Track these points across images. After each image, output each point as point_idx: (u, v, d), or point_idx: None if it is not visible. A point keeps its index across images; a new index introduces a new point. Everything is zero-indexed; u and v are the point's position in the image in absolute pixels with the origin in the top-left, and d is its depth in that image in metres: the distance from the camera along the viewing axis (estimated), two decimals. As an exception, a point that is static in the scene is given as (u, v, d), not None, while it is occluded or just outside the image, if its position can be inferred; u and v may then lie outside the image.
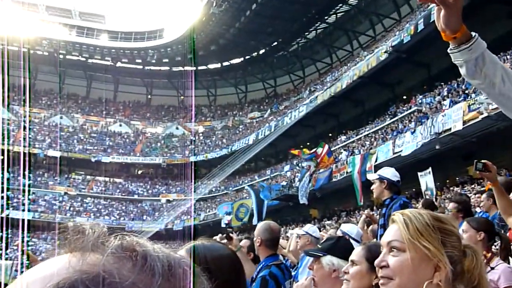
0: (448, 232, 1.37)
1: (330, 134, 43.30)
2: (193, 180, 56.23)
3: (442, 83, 27.25)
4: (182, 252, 1.31)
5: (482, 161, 3.47)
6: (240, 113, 65.13)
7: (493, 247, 4.05)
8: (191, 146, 62.08)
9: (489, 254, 3.43)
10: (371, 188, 4.58)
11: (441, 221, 1.38)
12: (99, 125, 63.20)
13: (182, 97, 70.51)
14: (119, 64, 63.38)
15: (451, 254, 1.35)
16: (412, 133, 22.80)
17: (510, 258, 3.84)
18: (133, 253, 0.50)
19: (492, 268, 3.27)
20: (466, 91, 22.01)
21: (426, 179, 17.69)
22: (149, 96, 69.97)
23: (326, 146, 27.95)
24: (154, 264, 0.50)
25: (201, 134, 64.92)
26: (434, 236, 1.34)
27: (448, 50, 1.66)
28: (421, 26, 27.23)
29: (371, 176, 4.62)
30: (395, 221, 1.41)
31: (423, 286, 1.31)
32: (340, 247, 2.49)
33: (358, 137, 33.42)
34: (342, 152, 31.49)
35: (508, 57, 21.61)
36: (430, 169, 17.28)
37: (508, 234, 4.43)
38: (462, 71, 1.67)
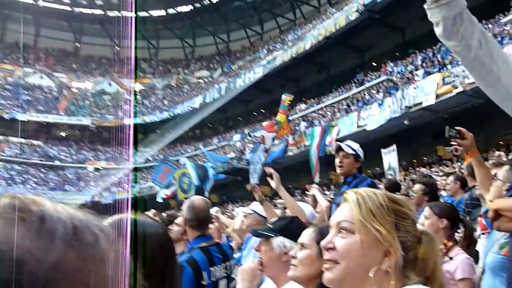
0: (403, 215, 1.40)
1: (290, 101, 43.61)
2: (129, 147, 55.37)
3: (417, 51, 27.90)
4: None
5: (456, 127, 3.52)
6: (186, 71, 64.28)
7: (456, 234, 4.27)
8: (127, 106, 60.98)
9: (450, 243, 3.61)
10: (338, 162, 4.62)
11: (397, 202, 1.42)
12: (14, 75, 60.78)
13: (117, 48, 68.67)
14: (41, 2, 60.64)
15: (404, 239, 1.38)
16: (380, 105, 23.36)
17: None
18: (27, 214, 0.46)
19: (451, 258, 3.45)
20: (442, 62, 22.66)
21: (390, 157, 18.20)
22: (78, 44, 67.73)
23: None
24: (54, 227, 0.46)
25: (138, 93, 63.76)
26: (387, 219, 1.37)
27: (425, 6, 1.71)
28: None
29: (347, 148, 4.63)
30: (347, 200, 1.45)
31: (370, 272, 1.35)
32: (294, 228, 2.49)
33: (319, 106, 33.89)
34: (300, 123, 31.88)
35: (490, 26, 22.35)
36: (394, 146, 17.78)
37: (478, 219, 4.65)
38: (438, 30, 1.73)
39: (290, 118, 32.24)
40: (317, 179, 21.56)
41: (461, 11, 1.68)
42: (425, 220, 3.78)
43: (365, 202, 1.40)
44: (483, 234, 3.81)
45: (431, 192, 5.40)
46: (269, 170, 4.96)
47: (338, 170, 4.62)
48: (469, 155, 3.68)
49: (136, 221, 1.36)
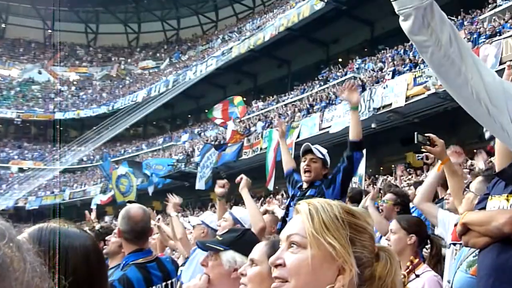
0: (360, 229, 1.41)
1: (245, 99, 43.70)
2: (59, 144, 54.38)
3: (387, 48, 28.45)
4: (24, 235, 1.27)
5: (426, 134, 3.58)
6: (129, 60, 63.61)
7: (424, 250, 4.36)
8: (58, 98, 59.74)
9: (416, 260, 3.68)
10: (305, 166, 4.65)
11: (353, 215, 1.42)
12: None
13: (50, 31, 67.21)
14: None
15: (360, 255, 1.38)
16: (345, 105, 23.69)
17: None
18: None
19: (418, 276, 3.52)
20: (414, 60, 23.18)
21: (356, 164, 18.54)
22: (3, 25, 65.96)
23: (244, 109, 28.09)
24: None
25: (73, 84, 62.63)
26: (341, 232, 1.37)
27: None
28: (368, -27, 28.07)
29: (316, 151, 4.67)
30: (299, 212, 1.44)
31: None
32: (246, 242, 2.45)
33: (279, 104, 34.11)
34: (257, 123, 31.96)
35: (466, 23, 23.01)
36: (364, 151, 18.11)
37: (451, 231, 4.75)
38: (407, 24, 1.75)
39: (246, 117, 32.37)
40: (271, 186, 21.67)
41: (431, 1, 1.71)
42: (392, 234, 3.83)
43: (317, 214, 1.39)
44: (453, 244, 3.89)
45: (403, 203, 5.47)
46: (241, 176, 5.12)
47: (305, 176, 4.65)
48: (442, 163, 3.76)
49: (58, 231, 1.32)
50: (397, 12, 1.76)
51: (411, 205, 5.72)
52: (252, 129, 31.31)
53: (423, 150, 3.85)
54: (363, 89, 23.81)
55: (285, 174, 5.19)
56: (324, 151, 4.71)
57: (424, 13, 1.72)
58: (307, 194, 4.56)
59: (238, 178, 4.99)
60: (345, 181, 4.53)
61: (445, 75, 1.81)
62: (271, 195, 20.10)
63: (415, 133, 3.47)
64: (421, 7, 1.71)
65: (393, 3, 1.74)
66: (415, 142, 3.48)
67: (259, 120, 32.34)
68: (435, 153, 3.58)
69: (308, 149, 4.70)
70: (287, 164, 5.23)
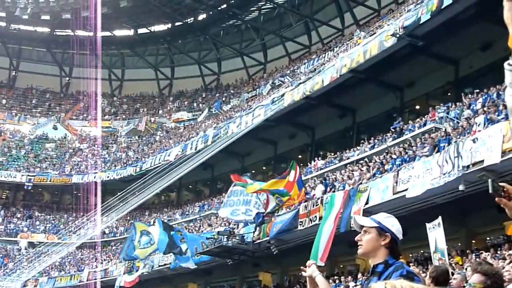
0: None
1: (300, 156, 43.82)
2: (74, 214, 55.30)
3: (476, 91, 28.10)
4: None
5: (501, 183, 3.51)
6: (160, 111, 65.02)
7: None
8: (77, 158, 61.14)
9: None
10: (358, 240, 4.57)
11: None
12: None
13: (67, 79, 69.48)
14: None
15: None
16: (425, 163, 23.40)
17: None
18: None
19: None
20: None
21: (436, 235, 17.96)
22: (14, 73, 68.51)
23: (298, 170, 28.41)
24: None
25: (94, 141, 64.10)
26: None
27: (506, 64, 1.76)
28: (448, 1, 28.12)
29: (364, 221, 4.56)
30: None
31: None
32: None
33: (342, 163, 33.98)
34: (317, 185, 31.88)
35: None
36: (439, 220, 17.60)
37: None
38: None
39: (303, 178, 32.24)
40: (323, 262, 21.19)
41: None
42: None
43: None
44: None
45: (495, 286, 5.31)
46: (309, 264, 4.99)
47: (359, 250, 4.58)
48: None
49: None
50: (508, 83, 1.77)
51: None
52: (311, 193, 31.19)
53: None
54: (448, 143, 23.54)
55: None
56: (381, 217, 4.57)
57: None
58: (369, 284, 4.43)
59: (308, 272, 4.90)
60: None
61: None
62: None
63: (489, 180, 3.44)
64: None
65: (507, 71, 1.76)
66: (491, 191, 3.44)
67: (320, 182, 32.21)
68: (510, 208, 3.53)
69: (355, 220, 4.66)
70: None
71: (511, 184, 3.51)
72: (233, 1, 56.22)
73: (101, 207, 48.60)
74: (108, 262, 46.41)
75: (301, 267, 4.95)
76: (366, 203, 24.73)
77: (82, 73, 70.63)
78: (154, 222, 36.85)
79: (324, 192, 29.77)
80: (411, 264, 22.15)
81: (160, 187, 45.86)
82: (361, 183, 26.88)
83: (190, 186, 56.01)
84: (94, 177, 56.02)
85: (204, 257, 33.93)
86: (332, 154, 37.10)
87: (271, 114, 40.46)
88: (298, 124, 42.39)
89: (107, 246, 51.10)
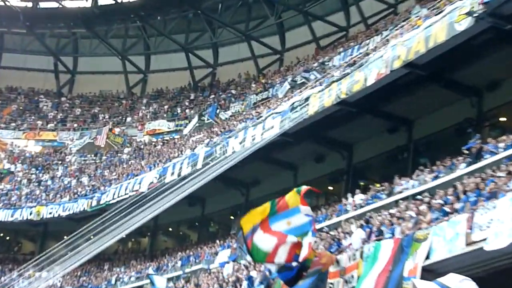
0: None
1: (331, 187, 43.80)
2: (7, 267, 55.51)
3: None
4: None
5: None
6: (128, 118, 65.15)
7: None
8: (5, 185, 61.29)
9: None
10: None
11: None
12: None
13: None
14: None
15: None
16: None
17: None
18: None
19: None
20: None
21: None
22: None
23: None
24: None
25: (30, 161, 64.25)
26: None
27: None
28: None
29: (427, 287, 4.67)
30: None
31: None
32: None
33: (393, 198, 34.04)
34: (354, 230, 31.97)
35: None
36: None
37: None
38: None
39: (332, 220, 32.22)
40: None
41: None
42: None
43: None
44: None
45: None
46: None
47: None
48: None
49: None
50: None
51: None
52: (345, 242, 31.30)
53: None
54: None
55: None
56: (454, 280, 4.69)
57: None
58: None
59: None
60: None
61: None
62: None
63: None
64: None
65: None
66: None
67: (360, 226, 32.32)
68: None
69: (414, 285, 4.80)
70: None
71: None
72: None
73: (40, 257, 48.78)
74: None
75: None
76: (427, 257, 24.68)
77: (15, 61, 71.08)
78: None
79: (366, 241, 29.82)
80: None
81: (126, 230, 45.88)
82: (419, 229, 26.96)
83: (170, 229, 56.16)
84: (30, 214, 56.23)
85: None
86: (378, 185, 37.16)
87: (290, 126, 40.57)
88: (328, 142, 42.49)
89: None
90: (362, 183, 40.02)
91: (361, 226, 32.06)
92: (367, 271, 23.67)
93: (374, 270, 23.44)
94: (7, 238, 67.10)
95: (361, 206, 35.80)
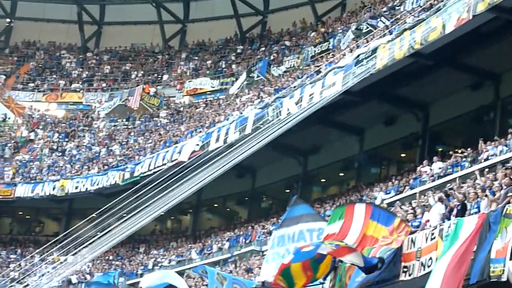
0: None
1: (403, 154, 43.65)
2: (20, 249, 56.17)
3: None
4: None
5: None
6: (165, 76, 65.17)
7: None
8: (23, 155, 61.79)
9: None
10: None
11: None
12: None
13: (9, 20, 70.29)
14: None
15: None
16: None
17: None
18: None
19: None
20: None
21: None
22: None
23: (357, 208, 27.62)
24: None
25: (54, 127, 64.71)
26: None
27: None
28: None
29: None
30: None
31: None
32: None
33: (477, 166, 33.84)
34: (432, 204, 31.79)
35: None
36: None
37: None
38: None
39: (405, 193, 31.96)
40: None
41: None
42: None
43: None
44: None
45: None
46: None
47: None
48: None
49: None
50: None
51: None
52: (422, 218, 31.18)
53: None
54: None
55: None
56: None
57: None
58: None
59: None
60: None
61: None
62: None
63: None
64: None
65: None
66: None
67: (439, 200, 32.16)
68: None
69: None
70: None
71: None
72: None
73: (65, 238, 49.15)
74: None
75: None
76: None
77: (33, 11, 71.55)
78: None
79: (445, 217, 29.71)
80: None
81: (164, 207, 46.04)
82: (508, 202, 26.79)
83: (216, 205, 56.38)
84: (53, 189, 56.69)
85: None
86: (459, 151, 37.00)
87: (354, 83, 40.44)
88: (400, 101, 42.37)
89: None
90: (440, 149, 39.81)
91: (440, 200, 31.92)
92: (445, 252, 23.49)
93: (455, 251, 23.25)
94: (27, 217, 67.72)
95: (440, 176, 35.65)
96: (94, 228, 47.03)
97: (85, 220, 47.60)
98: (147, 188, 45.21)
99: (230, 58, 64.11)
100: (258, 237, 45.18)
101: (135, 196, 45.20)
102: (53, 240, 50.33)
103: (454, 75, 39.07)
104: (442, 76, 38.69)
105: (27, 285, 50.65)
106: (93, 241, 45.83)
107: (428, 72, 38.48)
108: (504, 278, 18.84)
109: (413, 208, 31.82)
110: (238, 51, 64.47)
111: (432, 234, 26.96)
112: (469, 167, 34.48)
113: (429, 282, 22.10)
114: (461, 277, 20.65)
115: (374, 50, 40.11)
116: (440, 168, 36.43)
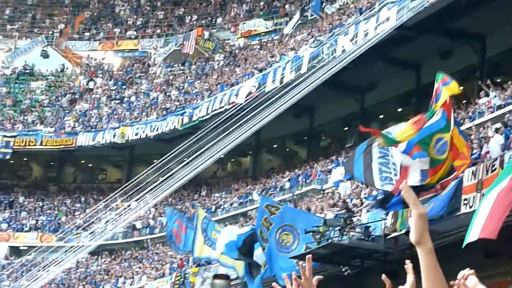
0: None
1: (462, 86, 43.47)
2: (83, 197, 56.61)
3: None
4: None
5: None
6: (219, 19, 65.10)
7: None
8: (82, 104, 62.08)
9: None
10: None
11: None
12: None
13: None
14: None
15: None
16: None
17: None
18: None
19: None
20: None
21: None
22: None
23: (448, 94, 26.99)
24: None
25: (111, 74, 64.86)
26: None
27: None
28: None
29: None
30: None
31: None
32: None
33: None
34: (491, 136, 31.61)
35: None
36: None
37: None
38: None
39: (470, 124, 31.81)
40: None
41: None
42: None
43: None
44: None
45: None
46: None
47: None
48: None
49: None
50: None
51: None
52: (482, 150, 30.99)
53: None
54: None
55: None
56: None
57: None
58: None
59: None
60: None
61: None
62: None
63: None
64: None
65: None
66: None
67: (497, 131, 31.94)
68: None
69: None
70: None
71: None
72: None
73: (128, 185, 49.45)
74: (142, 276, 47.16)
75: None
76: None
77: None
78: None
79: (506, 147, 29.47)
80: None
81: (223, 149, 46.15)
82: None
83: (275, 146, 56.46)
84: (114, 136, 57.01)
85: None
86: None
87: (409, 17, 40.18)
88: (456, 33, 41.98)
89: (138, 249, 52.12)
90: (498, 80, 39.43)
91: (499, 130, 31.64)
92: (498, 182, 23.07)
93: (509, 182, 22.96)
94: (90, 165, 68.31)
95: (499, 107, 35.33)
96: (155, 174, 47.24)
97: (148, 167, 47.88)
98: (205, 132, 45.33)
99: (283, -1, 63.70)
100: (318, 176, 45.18)
101: (194, 140, 45.30)
102: (117, 187, 50.71)
103: (510, 5, 38.56)
104: (500, 5, 38.22)
105: (93, 232, 51.12)
106: (155, 186, 46.08)
107: (484, 3, 38.02)
108: None
109: (471, 141, 31.62)
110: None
111: (493, 165, 26.76)
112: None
113: (481, 205, 21.90)
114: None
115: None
116: (499, 99, 36.12)
